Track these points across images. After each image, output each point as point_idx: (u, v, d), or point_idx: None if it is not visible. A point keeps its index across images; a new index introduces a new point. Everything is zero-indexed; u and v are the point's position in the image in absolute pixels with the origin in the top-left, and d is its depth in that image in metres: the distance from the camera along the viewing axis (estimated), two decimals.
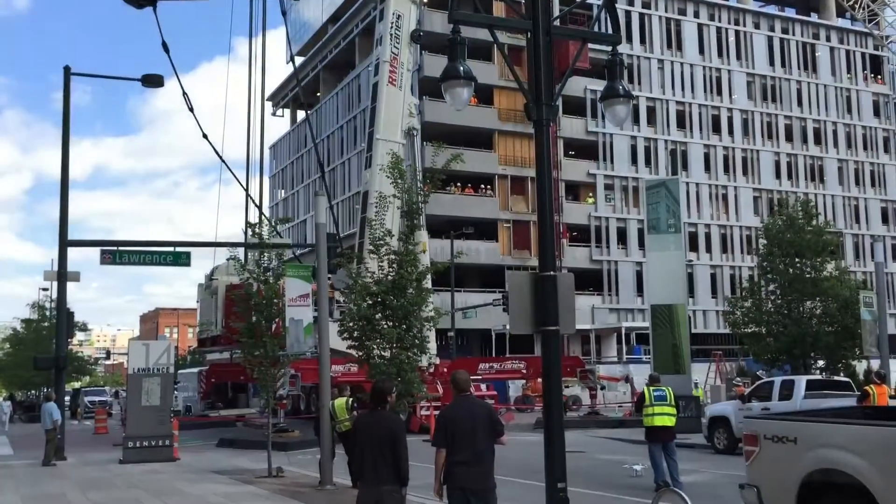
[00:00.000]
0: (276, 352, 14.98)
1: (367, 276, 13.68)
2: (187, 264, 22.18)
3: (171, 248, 22.21)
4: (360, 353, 13.53)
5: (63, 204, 21.18)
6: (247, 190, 21.80)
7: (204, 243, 25.73)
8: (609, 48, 7.50)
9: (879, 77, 67.00)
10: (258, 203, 22.18)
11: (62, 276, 21.22)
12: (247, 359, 15.44)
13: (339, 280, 20.16)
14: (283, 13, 21.17)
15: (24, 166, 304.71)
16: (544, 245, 6.54)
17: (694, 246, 56.22)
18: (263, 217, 16.94)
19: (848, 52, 65.41)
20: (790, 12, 65.70)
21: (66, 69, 21.54)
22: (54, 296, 27.94)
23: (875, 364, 22.88)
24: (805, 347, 25.35)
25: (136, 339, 60.66)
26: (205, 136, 23.44)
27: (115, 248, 21.79)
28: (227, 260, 18.19)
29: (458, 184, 51.52)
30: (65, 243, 21.12)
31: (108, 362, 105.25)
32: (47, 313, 50.66)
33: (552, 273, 6.36)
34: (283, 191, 72.51)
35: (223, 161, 18.39)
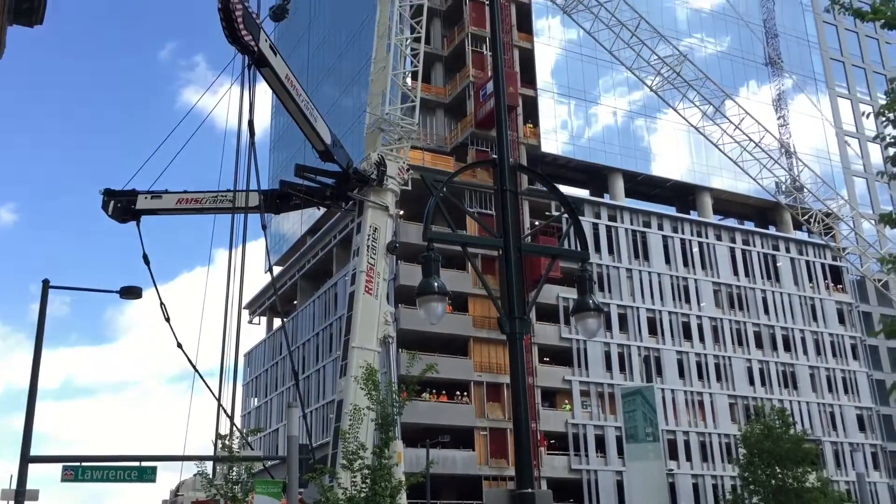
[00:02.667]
0: None
1: (340, 492, 13.25)
2: (153, 480, 21.34)
3: (136, 463, 21.43)
4: None
5: (28, 421, 20.58)
6: (219, 400, 21.49)
7: (171, 457, 24.86)
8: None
9: (841, 286, 69.21)
10: (230, 413, 21.81)
11: (20, 494, 20.30)
12: None
13: (309, 496, 19.43)
14: (264, 227, 21.92)
15: None
16: (521, 459, 6.47)
17: (674, 454, 55.24)
18: (235, 428, 16.60)
19: (808, 262, 67.97)
20: (749, 225, 68.89)
21: (45, 282, 21.71)
22: None
23: None
24: None
25: None
26: (179, 345, 23.38)
27: (77, 463, 21.02)
28: (195, 476, 17.57)
29: (434, 390, 51.12)
30: (26, 460, 20.34)
31: None
32: None
33: (530, 491, 6.25)
34: (256, 399, 71.39)
35: (196, 370, 18.29)
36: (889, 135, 9.77)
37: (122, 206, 23.25)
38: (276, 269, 72.13)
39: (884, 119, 9.86)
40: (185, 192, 23.96)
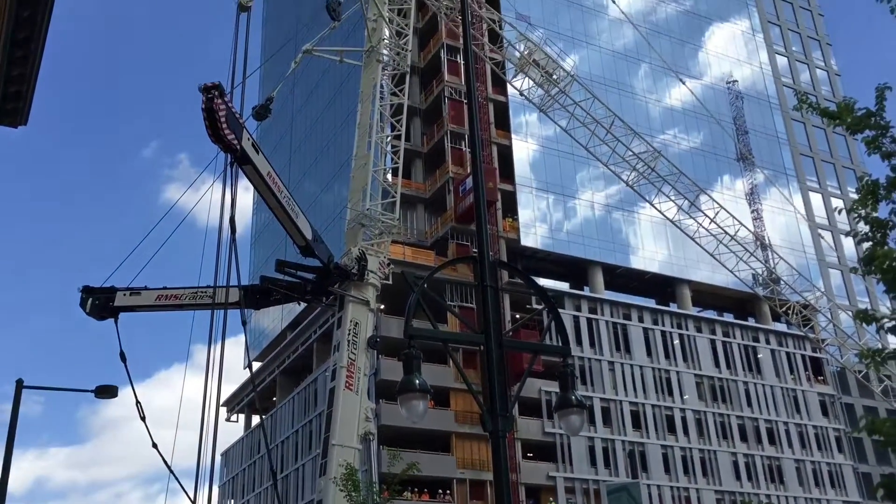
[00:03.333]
0: None
1: None
2: None
3: None
4: None
5: None
6: (194, 502, 20.81)
7: None
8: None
9: (822, 378, 69.21)
10: None
11: None
12: None
13: None
14: (244, 323, 21.74)
15: None
16: None
17: None
18: None
19: (789, 354, 68.11)
20: (729, 317, 69.25)
21: (19, 382, 21.24)
22: None
23: None
24: None
25: None
26: (154, 445, 22.80)
27: None
28: None
29: (416, 489, 49.88)
30: None
31: None
32: None
33: None
34: (233, 500, 69.32)
35: (171, 471, 17.79)
36: (861, 231, 9.95)
37: (101, 303, 23.05)
38: (256, 365, 71.22)
39: (855, 215, 10.07)
40: (165, 288, 23.84)
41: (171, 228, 24.15)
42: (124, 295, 23.20)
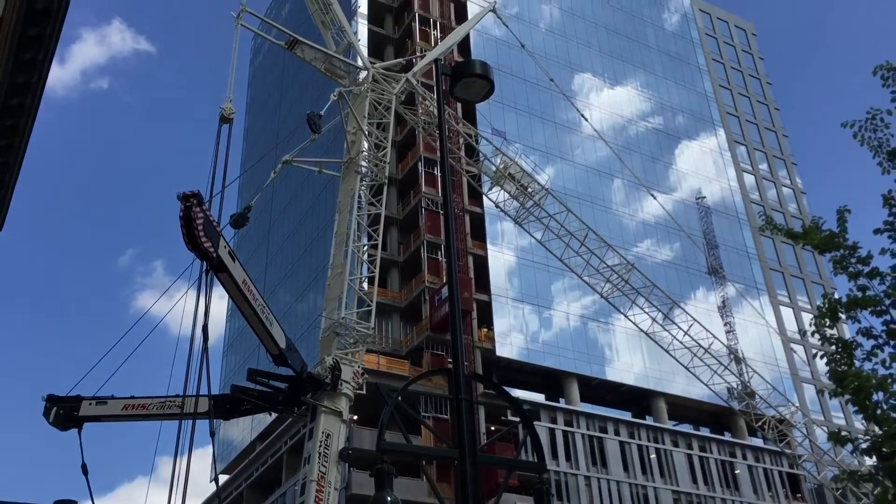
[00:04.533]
0: None
1: None
2: None
3: None
4: None
5: None
6: None
7: None
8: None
9: (800, 495, 68.16)
10: None
11: None
12: None
13: None
14: (212, 434, 21.18)
15: None
16: None
17: None
18: None
19: (766, 470, 67.23)
20: (705, 431, 68.60)
21: None
22: None
23: None
24: None
25: None
26: None
27: None
28: None
29: None
30: None
31: None
32: None
33: None
34: None
35: None
36: (828, 352, 10.05)
37: (65, 412, 22.39)
38: (223, 478, 69.00)
39: (818, 336, 10.18)
40: (132, 398, 23.26)
41: (145, 338, 23.78)
42: (90, 404, 22.58)
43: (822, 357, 10.21)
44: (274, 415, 33.02)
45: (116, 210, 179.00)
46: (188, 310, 18.65)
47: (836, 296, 10.32)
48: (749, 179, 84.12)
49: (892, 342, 9.93)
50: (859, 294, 9.91)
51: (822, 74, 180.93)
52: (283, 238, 75.26)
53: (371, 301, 27.93)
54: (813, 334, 10.27)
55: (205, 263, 19.33)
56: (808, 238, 10.09)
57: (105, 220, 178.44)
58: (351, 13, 68.32)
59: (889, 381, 9.80)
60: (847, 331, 22.52)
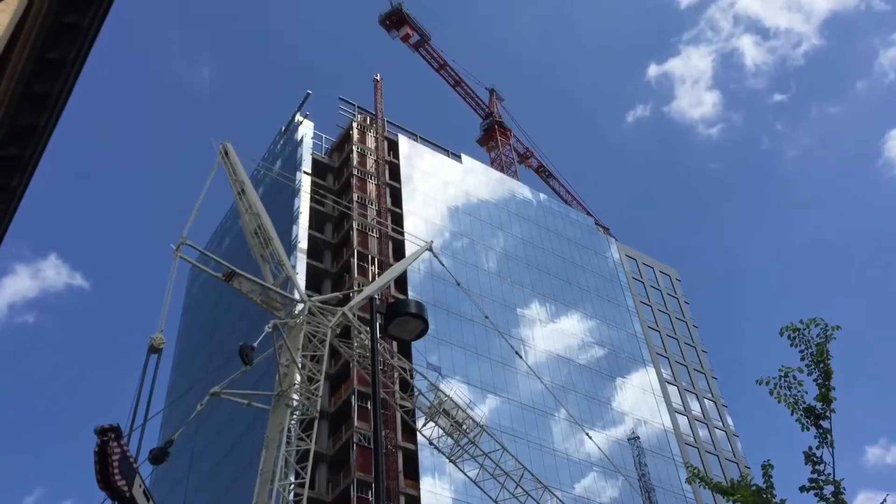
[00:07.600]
0: None
1: None
2: None
3: None
4: None
5: None
6: None
7: None
8: None
9: None
10: None
11: None
12: None
13: None
14: None
15: None
16: None
17: None
18: None
19: None
20: None
21: None
22: None
23: None
24: None
25: None
26: None
27: None
28: None
29: None
30: None
31: None
32: None
33: None
34: None
35: None
36: None
37: None
38: None
39: None
40: None
41: None
42: None
43: None
44: None
45: (26, 445, 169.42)
46: None
47: None
48: (682, 420, 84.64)
49: None
50: None
51: (745, 315, 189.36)
52: (205, 474, 71.47)
53: None
54: None
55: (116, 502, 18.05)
56: (738, 493, 9.93)
57: (13, 456, 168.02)
58: (290, 248, 69.98)
59: None
60: None
